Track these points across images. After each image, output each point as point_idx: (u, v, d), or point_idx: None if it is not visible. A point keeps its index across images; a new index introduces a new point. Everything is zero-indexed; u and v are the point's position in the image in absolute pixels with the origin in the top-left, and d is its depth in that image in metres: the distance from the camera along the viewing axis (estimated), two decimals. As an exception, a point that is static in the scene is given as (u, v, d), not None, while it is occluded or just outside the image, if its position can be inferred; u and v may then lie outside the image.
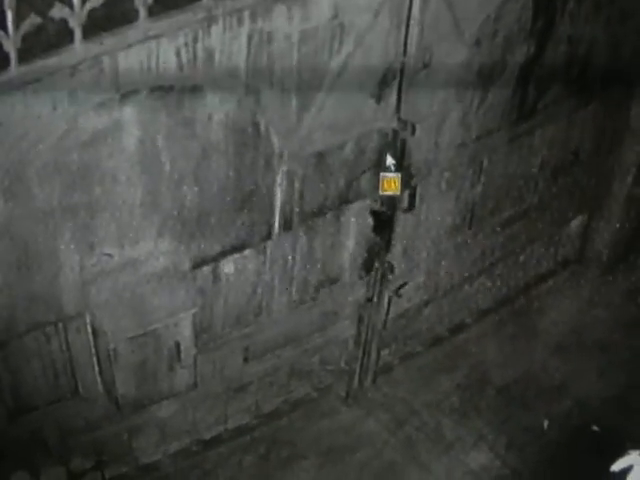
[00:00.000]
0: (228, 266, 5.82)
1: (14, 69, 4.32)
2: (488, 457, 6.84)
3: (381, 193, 6.02)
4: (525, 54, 6.23)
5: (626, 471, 4.68)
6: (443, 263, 6.98)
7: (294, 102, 5.35)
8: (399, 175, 5.94)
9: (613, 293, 7.92)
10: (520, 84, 6.37)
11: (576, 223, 7.84)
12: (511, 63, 6.19)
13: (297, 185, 5.70)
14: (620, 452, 4.64)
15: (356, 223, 6.19)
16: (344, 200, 6.01)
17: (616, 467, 4.73)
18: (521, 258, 7.61)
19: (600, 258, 7.99)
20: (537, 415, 7.05)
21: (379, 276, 6.53)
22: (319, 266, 6.27)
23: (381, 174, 5.93)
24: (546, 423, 7.02)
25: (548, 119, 6.79)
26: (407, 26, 5.45)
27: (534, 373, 7.33)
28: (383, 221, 6.25)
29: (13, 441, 5.57)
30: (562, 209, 7.55)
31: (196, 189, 5.33)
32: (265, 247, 5.89)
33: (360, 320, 6.74)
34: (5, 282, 4.99)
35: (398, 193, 6.04)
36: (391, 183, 5.94)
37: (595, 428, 6.92)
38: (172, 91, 4.89)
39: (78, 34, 4.41)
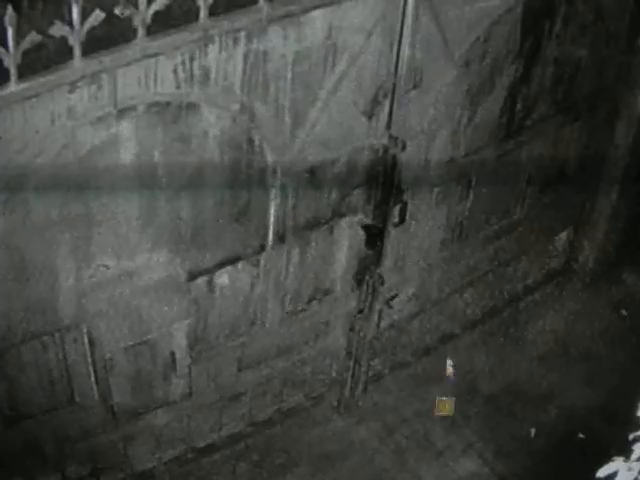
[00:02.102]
0: (222, 278, 5.74)
1: (14, 84, 4.27)
2: (477, 464, 6.77)
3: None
4: (513, 74, 6.21)
5: (611, 477, 4.63)
6: (433, 275, 6.92)
7: (288, 119, 5.31)
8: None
9: (598, 305, 7.85)
10: (508, 103, 6.34)
11: (562, 237, 7.80)
12: (499, 83, 6.17)
13: (290, 200, 5.65)
14: (605, 458, 4.57)
15: (348, 237, 6.13)
16: (336, 214, 5.96)
17: (601, 473, 4.67)
18: (508, 271, 7.56)
19: (586, 271, 7.94)
20: (524, 423, 6.98)
21: (370, 288, 6.46)
22: (312, 278, 6.20)
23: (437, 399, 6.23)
24: (533, 431, 6.95)
25: (535, 136, 6.76)
26: (399, 47, 5.43)
27: (521, 382, 7.26)
28: (374, 235, 6.18)
29: (9, 449, 5.49)
30: (549, 223, 7.51)
31: (192, 203, 5.27)
32: (259, 259, 5.83)
33: (351, 331, 6.67)
34: (2, 292, 4.92)
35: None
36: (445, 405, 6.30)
37: (581, 435, 6.88)
38: (169, 107, 4.85)
39: (77, 52, 4.37)
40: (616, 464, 4.30)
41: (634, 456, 4.12)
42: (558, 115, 6.80)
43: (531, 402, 7.13)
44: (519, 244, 7.38)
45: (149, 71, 4.64)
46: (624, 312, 7.79)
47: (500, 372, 7.31)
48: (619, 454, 4.25)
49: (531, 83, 6.39)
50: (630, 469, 4.12)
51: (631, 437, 4.12)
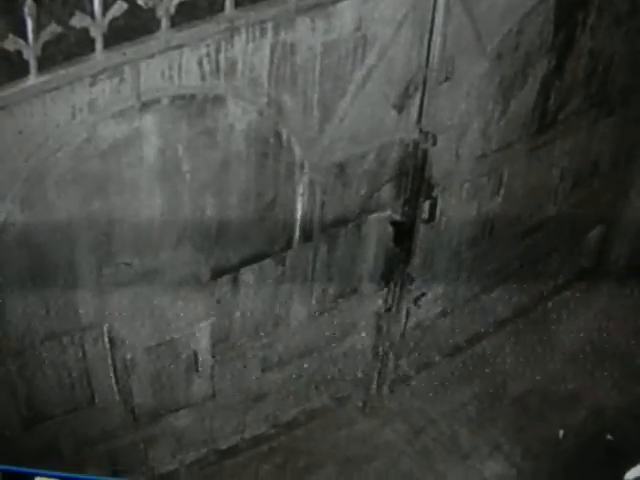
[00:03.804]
0: (247, 276, 5.64)
1: (33, 77, 4.18)
2: (504, 466, 6.64)
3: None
4: (546, 67, 6.09)
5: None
6: (462, 273, 6.81)
7: (316, 112, 5.20)
8: None
9: (629, 304, 7.68)
10: (541, 96, 6.22)
11: (594, 234, 7.64)
12: (532, 76, 6.05)
13: (318, 195, 5.55)
14: (634, 461, 4.51)
15: (376, 234, 6.03)
16: (365, 211, 5.86)
17: (630, 475, 4.63)
18: (539, 268, 7.41)
19: (617, 269, 7.79)
20: (552, 425, 6.85)
21: (398, 286, 6.35)
22: (338, 276, 6.10)
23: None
24: (561, 432, 6.81)
25: (568, 131, 6.63)
26: (430, 39, 5.32)
27: (550, 383, 7.14)
28: (403, 232, 6.07)
29: (28, 450, 5.41)
30: (580, 220, 7.38)
31: (217, 199, 5.17)
32: (285, 257, 5.73)
33: (378, 330, 6.56)
34: (21, 291, 4.83)
35: None
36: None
37: (609, 437, 6.75)
38: (194, 100, 4.74)
39: (99, 43, 4.27)
40: (645, 466, 4.28)
41: (663, 459, 4.04)
42: (592, 109, 6.66)
43: (559, 403, 7.00)
44: (550, 241, 7.25)
45: (173, 63, 4.54)
46: (656, 311, 7.64)
47: (528, 372, 7.19)
48: (648, 456, 4.24)
49: (564, 76, 6.25)
50: (658, 471, 4.05)
51: (661, 439, 4.02)
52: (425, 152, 5.76)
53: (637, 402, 6.91)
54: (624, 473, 4.77)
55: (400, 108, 5.50)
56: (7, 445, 5.28)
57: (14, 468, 4.14)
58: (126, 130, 4.60)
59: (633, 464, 4.74)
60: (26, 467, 4.19)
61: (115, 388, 5.60)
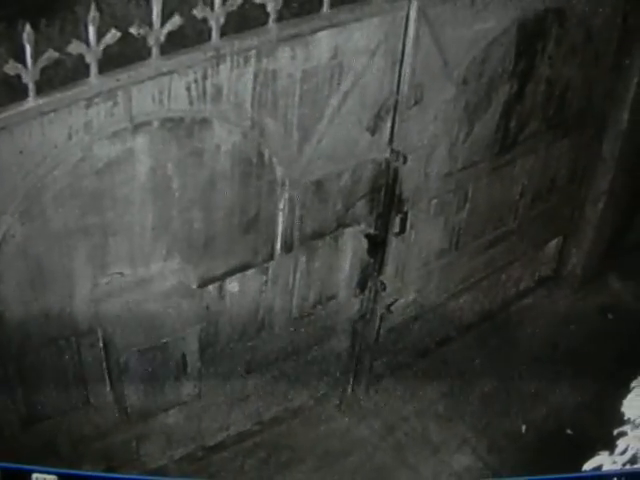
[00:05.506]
0: (233, 285, 5.59)
1: (32, 100, 4.13)
2: (471, 459, 6.61)
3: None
4: (508, 92, 6.08)
5: (596, 470, 4.53)
6: (431, 282, 6.75)
7: (296, 134, 5.18)
8: None
9: (586, 309, 7.68)
10: (503, 119, 6.20)
11: (552, 245, 7.64)
12: (495, 100, 6.04)
13: (297, 210, 5.50)
14: (591, 453, 4.46)
15: (351, 245, 5.98)
16: (341, 224, 5.81)
17: (587, 466, 4.57)
18: (502, 277, 7.39)
19: (574, 277, 7.77)
20: (516, 420, 6.82)
21: (372, 294, 6.31)
22: (317, 285, 6.04)
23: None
24: (524, 428, 6.79)
25: (528, 151, 6.62)
26: (400, 66, 5.30)
27: (513, 382, 7.09)
28: (377, 244, 6.03)
29: (26, 447, 5.31)
30: (540, 232, 7.36)
31: (204, 214, 5.12)
32: (267, 267, 5.68)
33: (354, 334, 6.51)
34: (20, 299, 4.76)
35: None
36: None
37: (569, 431, 6.73)
38: (182, 123, 4.71)
39: (94, 69, 4.24)
40: (601, 458, 4.32)
41: (618, 450, 4.16)
42: (549, 131, 6.65)
43: (522, 400, 6.97)
44: (512, 252, 7.23)
45: (163, 88, 4.50)
46: (610, 316, 7.63)
47: (493, 372, 7.13)
48: (604, 448, 4.26)
49: (524, 101, 6.25)
50: (614, 462, 4.16)
51: (615, 432, 4.18)
52: (396, 170, 5.73)
53: (593, 399, 6.87)
54: (582, 465, 4.71)
55: (373, 130, 5.48)
56: (6, 443, 5.18)
57: (12, 465, 4.01)
58: (119, 150, 4.56)
59: (591, 456, 4.68)
60: (24, 464, 4.11)
61: (109, 389, 5.51)
